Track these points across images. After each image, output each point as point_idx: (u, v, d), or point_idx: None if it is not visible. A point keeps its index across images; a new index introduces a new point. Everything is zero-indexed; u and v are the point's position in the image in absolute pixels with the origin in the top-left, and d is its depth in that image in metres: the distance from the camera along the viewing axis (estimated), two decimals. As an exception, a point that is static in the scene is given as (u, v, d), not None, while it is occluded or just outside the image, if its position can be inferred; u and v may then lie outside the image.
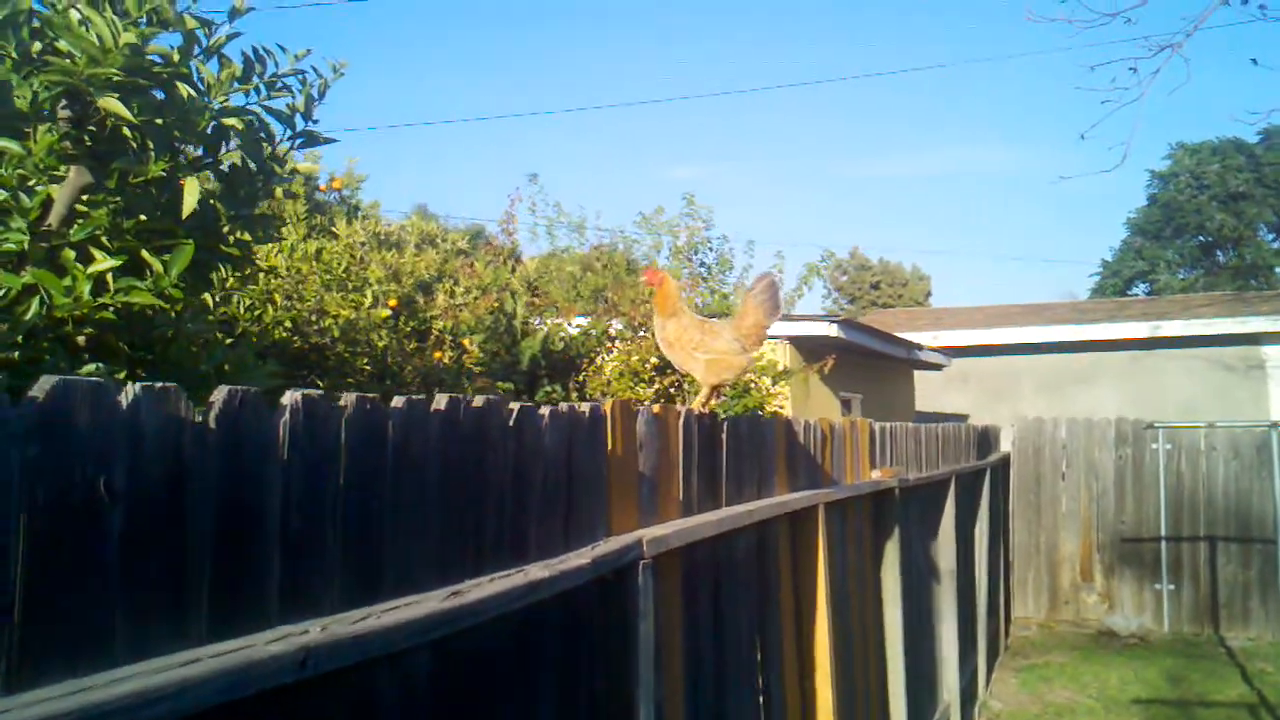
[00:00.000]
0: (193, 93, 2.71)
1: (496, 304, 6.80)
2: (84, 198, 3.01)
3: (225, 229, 3.21)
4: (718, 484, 4.12)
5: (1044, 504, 14.40)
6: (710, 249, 19.76)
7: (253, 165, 3.21)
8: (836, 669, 5.39)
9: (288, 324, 6.63)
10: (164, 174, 2.85)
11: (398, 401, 2.16)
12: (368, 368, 6.94)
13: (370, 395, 2.08)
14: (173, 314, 3.58)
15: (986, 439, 12.67)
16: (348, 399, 2.01)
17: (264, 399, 1.79)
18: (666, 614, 3.41)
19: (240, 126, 2.95)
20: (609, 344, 6.95)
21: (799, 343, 10.85)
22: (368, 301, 6.80)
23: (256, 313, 6.33)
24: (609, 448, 3.16)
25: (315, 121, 3.33)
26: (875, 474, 6.71)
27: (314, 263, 6.81)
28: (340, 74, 3.31)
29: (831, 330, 10.90)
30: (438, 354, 7.47)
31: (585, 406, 3.05)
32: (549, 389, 6.64)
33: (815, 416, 8.36)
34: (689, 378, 4.47)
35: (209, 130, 3.01)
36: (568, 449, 2.88)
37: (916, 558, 7.86)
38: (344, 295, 6.68)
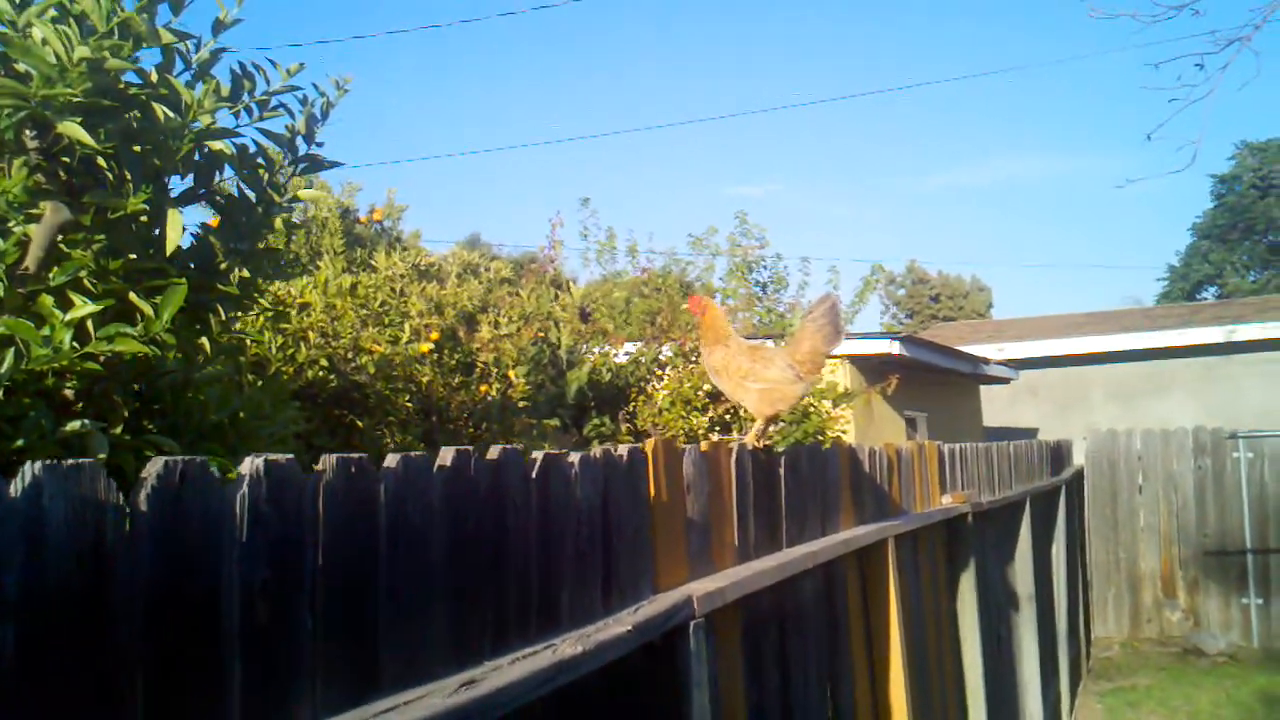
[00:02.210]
0: (169, 114, 2.41)
1: (541, 334, 6.49)
2: (64, 237, 2.73)
3: (223, 266, 2.92)
4: (777, 524, 3.76)
5: (1121, 519, 13.84)
6: (764, 267, 19.44)
7: (252, 194, 2.91)
8: (914, 711, 5.00)
9: (323, 362, 6.36)
10: (147, 207, 2.56)
11: (391, 460, 1.84)
12: (410, 405, 6.65)
13: (358, 456, 1.76)
14: (181, 359, 3.30)
15: (1059, 454, 12.17)
16: (326, 461, 1.69)
17: (208, 469, 1.47)
18: (725, 677, 3.06)
19: (229, 151, 2.65)
20: (659, 371, 6.61)
21: (859, 362, 10.44)
22: (405, 336, 6.51)
23: (289, 351, 6.07)
24: (651, 493, 2.82)
25: (320, 144, 3.04)
26: (946, 500, 6.31)
27: (349, 298, 6.54)
28: (345, 91, 3.02)
29: (893, 348, 10.47)
30: (484, 388, 7.18)
31: (623, 449, 2.72)
32: (597, 421, 6.31)
33: (879, 438, 7.97)
34: (742, 408, 4.13)
35: (196, 157, 2.72)
36: (603, 499, 2.54)
37: (993, 584, 7.43)
38: (380, 330, 6.40)
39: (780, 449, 3.87)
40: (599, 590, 2.51)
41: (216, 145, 2.58)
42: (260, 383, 5.86)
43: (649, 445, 2.84)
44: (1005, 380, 16.72)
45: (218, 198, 2.88)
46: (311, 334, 6.20)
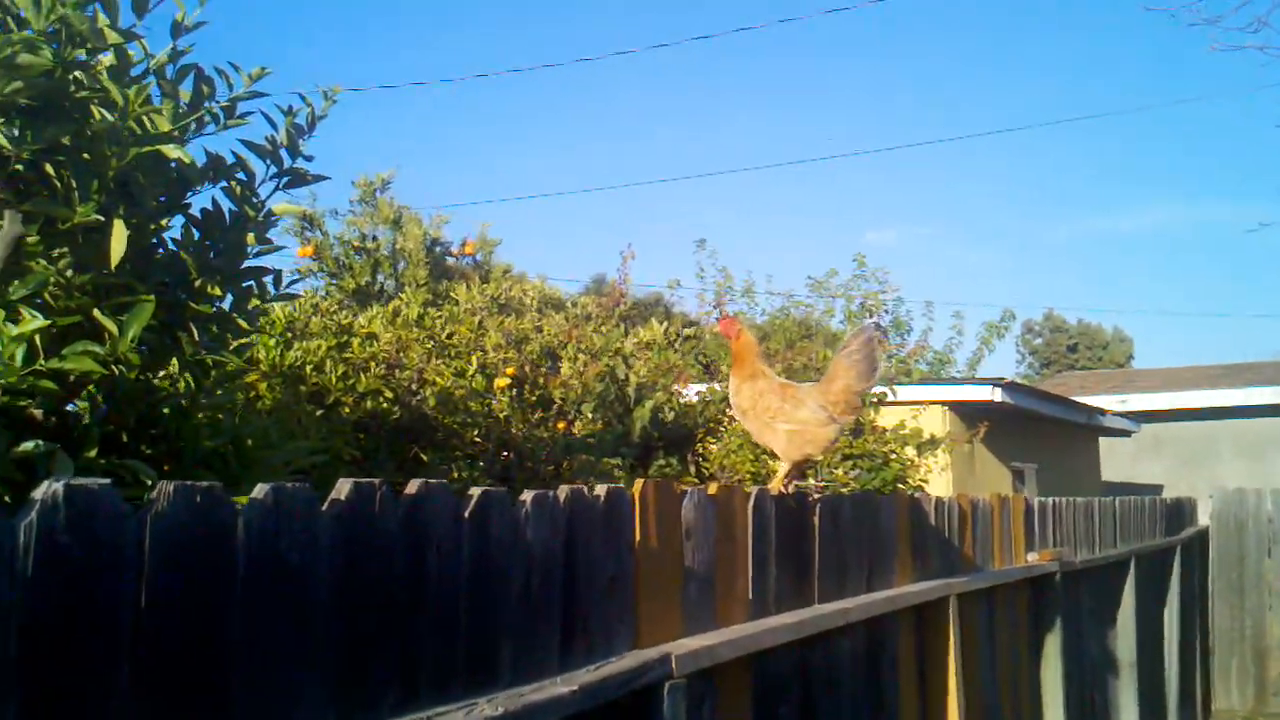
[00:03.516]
0: (106, 115, 2.27)
1: (607, 369, 6.28)
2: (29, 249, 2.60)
3: (198, 283, 2.77)
4: (807, 578, 3.48)
5: (1248, 584, 13.03)
6: (886, 311, 19.01)
7: (229, 208, 2.77)
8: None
9: (387, 393, 6.24)
10: (101, 218, 2.42)
11: (259, 491, 1.63)
12: (479, 439, 6.49)
13: (208, 485, 1.56)
14: (192, 384, 3.17)
15: (1180, 512, 11.51)
16: (161, 489, 1.49)
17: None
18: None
19: (188, 159, 2.50)
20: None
21: (958, 409, 10.00)
22: (472, 368, 6.36)
23: (350, 382, 5.97)
24: (636, 539, 2.57)
25: (308, 158, 2.88)
26: (1032, 557, 5.91)
27: (413, 329, 6.43)
28: (333, 101, 2.86)
29: (995, 395, 10.01)
30: (561, 424, 6.99)
31: (600, 489, 2.48)
32: (663, 462, 6.07)
33: (981, 490, 7.57)
34: (769, 450, 3.85)
35: (172, 168, 2.58)
36: (565, 543, 2.31)
37: (1088, 649, 6.96)
38: (445, 362, 6.27)
39: (817, 498, 3.58)
40: (556, 643, 2.27)
41: (174, 153, 2.43)
42: (320, 412, 5.77)
43: (636, 487, 2.61)
44: (1126, 433, 15.99)
45: (194, 212, 2.74)
46: (373, 364, 6.09)
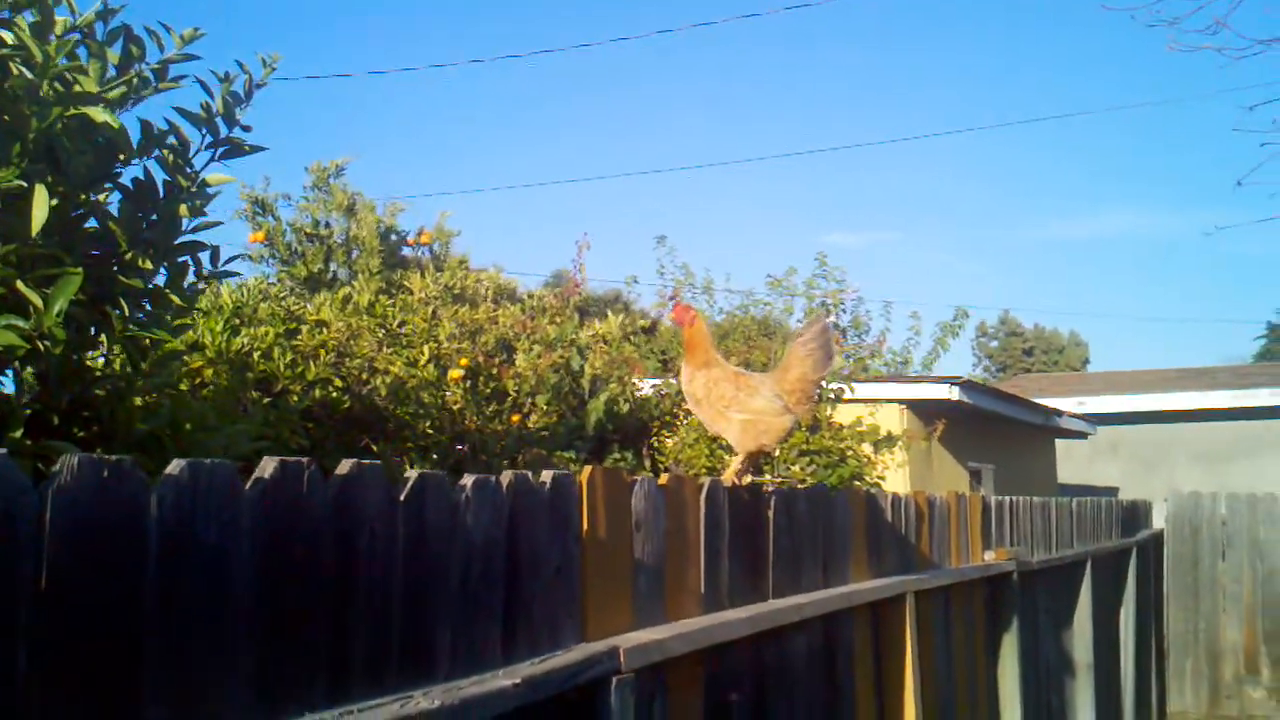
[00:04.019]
0: (26, 73, 2.15)
1: (561, 359, 6.17)
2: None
3: (128, 256, 2.64)
4: (761, 572, 3.39)
5: (1202, 587, 13.08)
6: (844, 310, 18.96)
7: (166, 179, 2.64)
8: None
9: (337, 382, 6.10)
10: (23, 184, 2.29)
11: (174, 467, 1.52)
12: (431, 431, 6.36)
13: (118, 459, 1.45)
14: (126, 367, 3.05)
15: (1135, 515, 11.53)
16: (64, 462, 1.38)
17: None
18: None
19: (115, 124, 2.37)
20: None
21: (916, 407, 9.95)
22: (424, 358, 6.23)
23: (299, 369, 5.83)
24: (583, 528, 2.47)
25: (246, 128, 2.76)
26: (989, 556, 5.86)
27: (365, 316, 6.29)
28: (272, 68, 2.74)
29: (952, 393, 9.96)
30: (515, 418, 6.87)
31: (546, 475, 2.38)
32: (618, 456, 5.97)
33: (939, 489, 7.51)
34: (722, 441, 3.76)
35: (98, 138, 2.45)
36: (508, 530, 2.21)
37: (1045, 651, 6.93)
38: (395, 351, 6.14)
39: (771, 489, 3.50)
40: (499, 635, 2.17)
41: (101, 117, 2.31)
42: (267, 400, 5.63)
43: (584, 474, 2.51)
44: (1082, 435, 16.02)
45: (125, 182, 2.62)
46: (323, 352, 5.96)
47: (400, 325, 6.49)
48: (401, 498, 1.92)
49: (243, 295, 6.39)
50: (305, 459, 1.74)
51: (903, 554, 4.69)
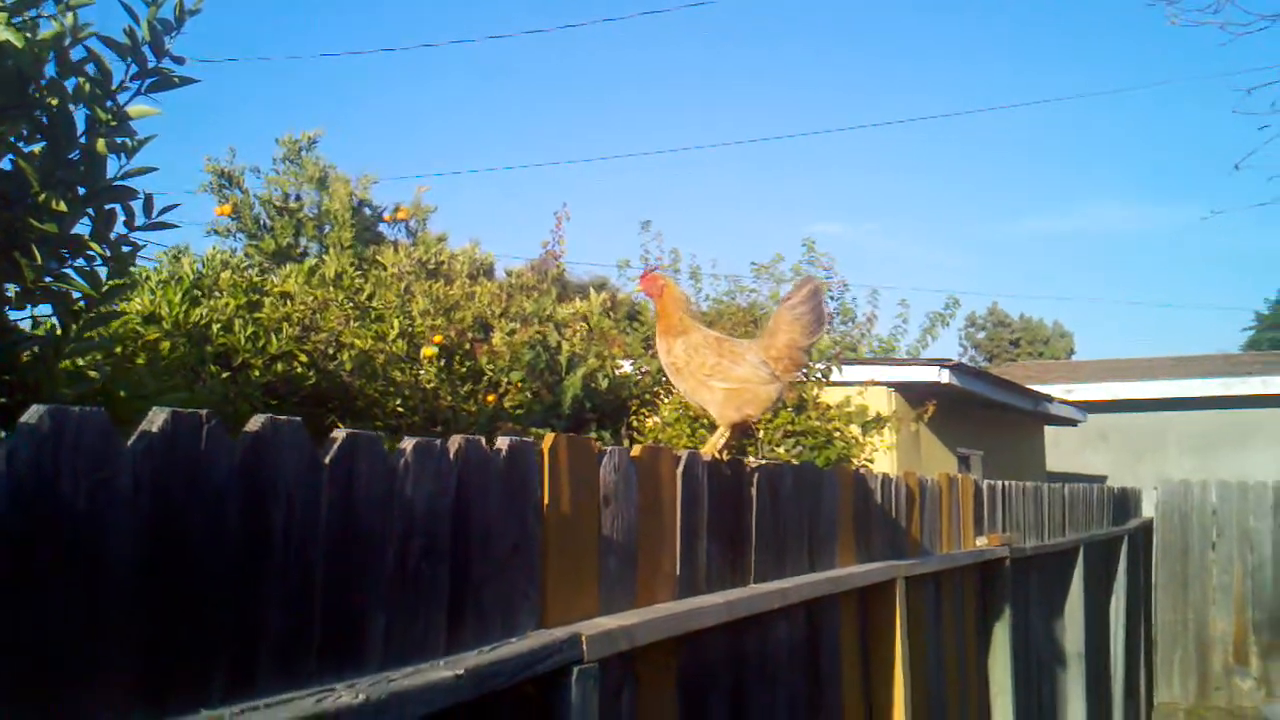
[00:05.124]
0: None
1: (538, 336, 5.91)
2: None
3: (41, 198, 2.38)
4: (743, 554, 3.14)
5: (1191, 577, 12.90)
6: (831, 297, 18.72)
7: (80, 113, 2.38)
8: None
9: (302, 358, 5.83)
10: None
11: (33, 414, 1.26)
12: (402, 409, 6.09)
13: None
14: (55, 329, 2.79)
15: (1125, 502, 11.33)
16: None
17: None
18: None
19: (19, 43, 2.11)
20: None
21: (905, 390, 9.71)
22: (393, 332, 5.97)
23: (260, 343, 5.55)
24: (544, 502, 2.22)
25: (177, 59, 2.50)
26: (981, 541, 5.62)
27: (333, 289, 6.02)
28: (204, -6, 2.47)
29: (941, 376, 9.72)
30: (490, 397, 6.61)
31: (502, 442, 2.13)
32: (595, 435, 5.72)
33: (929, 474, 7.28)
34: (705, 412, 3.50)
35: (6, 59, 2.18)
36: (455, 502, 1.95)
37: (1036, 639, 6.70)
38: (363, 325, 5.87)
39: (755, 466, 3.24)
40: (443, 620, 1.91)
41: (1, 35, 2.04)
42: (226, 375, 5.36)
43: (546, 441, 2.25)
44: (1073, 422, 15.82)
45: (38, 115, 2.35)
46: (287, 325, 5.69)
47: (370, 299, 6.22)
48: (327, 460, 1.67)
49: (202, 267, 6.12)
50: (205, 410, 1.48)
51: (892, 538, 4.45)
